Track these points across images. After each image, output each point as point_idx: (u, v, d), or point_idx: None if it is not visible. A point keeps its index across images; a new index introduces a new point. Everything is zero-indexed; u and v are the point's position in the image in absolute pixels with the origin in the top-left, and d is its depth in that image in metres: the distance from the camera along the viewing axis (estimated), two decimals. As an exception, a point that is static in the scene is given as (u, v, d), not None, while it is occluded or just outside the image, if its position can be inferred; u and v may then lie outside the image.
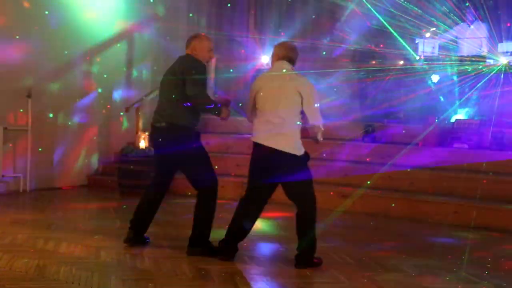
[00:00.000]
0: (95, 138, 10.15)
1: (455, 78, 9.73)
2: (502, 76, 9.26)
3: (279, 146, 5.14)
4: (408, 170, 8.38)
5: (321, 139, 5.30)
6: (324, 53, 11.07)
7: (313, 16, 11.50)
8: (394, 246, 6.32)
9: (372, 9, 10.08)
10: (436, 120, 9.05)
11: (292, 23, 11.54)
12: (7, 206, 7.87)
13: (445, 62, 9.99)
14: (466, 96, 9.46)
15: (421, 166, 8.52)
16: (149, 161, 8.86)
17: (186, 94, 5.35)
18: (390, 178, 8.33)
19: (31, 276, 4.76)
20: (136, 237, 5.80)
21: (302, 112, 5.23)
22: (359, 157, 9.10)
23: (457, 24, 10.13)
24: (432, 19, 10.01)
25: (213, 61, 10.95)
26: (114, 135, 10.45)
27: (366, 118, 10.08)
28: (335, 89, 10.16)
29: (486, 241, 6.68)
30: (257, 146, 5.27)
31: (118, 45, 10.42)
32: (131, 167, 8.96)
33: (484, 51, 9.87)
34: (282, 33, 11.33)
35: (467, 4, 9.93)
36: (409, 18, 10.07)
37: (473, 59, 9.83)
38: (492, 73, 9.35)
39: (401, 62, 10.34)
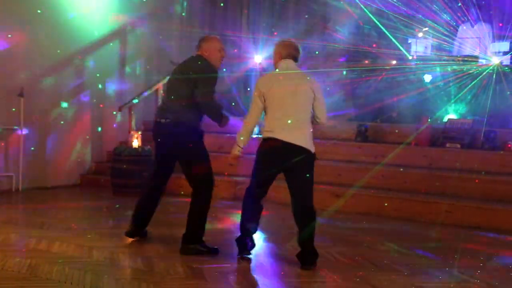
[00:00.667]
0: (88, 137, 10.13)
1: (447, 77, 9.76)
2: (494, 76, 9.30)
3: (300, 142, 5.17)
4: (401, 169, 8.40)
5: None
6: (317, 52, 11.08)
7: (306, 16, 11.50)
8: (387, 245, 6.33)
9: (365, 9, 10.11)
10: (429, 120, 9.07)
11: (285, 23, 11.54)
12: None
13: (438, 62, 10.02)
14: (459, 96, 9.49)
15: (414, 165, 8.55)
16: (142, 160, 8.88)
17: (196, 97, 5.43)
18: (383, 178, 8.36)
19: (23, 275, 4.75)
20: (137, 230, 5.87)
21: None
22: (352, 156, 9.11)
23: (449, 24, 10.16)
24: (428, 21, 10.03)
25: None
26: (107, 134, 10.42)
27: (359, 117, 10.11)
28: (328, 89, 10.16)
29: (479, 241, 6.70)
30: (273, 142, 5.23)
31: (111, 44, 10.39)
32: (124, 166, 8.94)
33: (477, 51, 9.90)
34: (275, 33, 11.33)
35: (459, 4, 9.96)
36: (402, 18, 10.10)
37: (466, 59, 9.86)
38: (484, 73, 9.38)
39: (394, 62, 10.36)
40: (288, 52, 5.40)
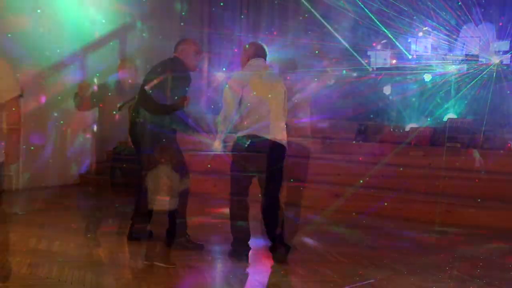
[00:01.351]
0: (87, 136, 10.11)
1: (448, 77, 9.75)
2: (494, 75, 9.29)
3: (279, 139, 5.28)
4: (401, 169, 8.40)
5: None
6: (316, 52, 11.07)
7: (306, 15, 11.49)
8: (387, 245, 6.33)
9: (364, 8, 10.09)
10: (429, 119, 9.06)
11: (285, 22, 11.54)
12: (-1, 205, 7.83)
13: (438, 61, 10.01)
14: (458, 95, 9.48)
15: (414, 165, 8.54)
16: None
17: (164, 99, 5.66)
18: (382, 177, 8.34)
19: (23, 275, 4.74)
20: (139, 230, 5.87)
21: None
22: (352, 156, 9.10)
23: (450, 24, 10.14)
24: (429, 20, 10.03)
25: (206, 59, 11.05)
26: (107, 134, 10.39)
27: (358, 117, 10.09)
28: (327, 88, 10.15)
29: (478, 240, 6.70)
30: (252, 139, 5.26)
31: (111, 43, 10.38)
32: (124, 165, 8.93)
33: (477, 50, 9.89)
34: (274, 32, 11.32)
35: (459, 3, 9.94)
36: (402, 17, 10.09)
37: (466, 58, 9.85)
38: (484, 72, 9.37)
39: (394, 61, 10.34)
40: (259, 52, 5.57)
